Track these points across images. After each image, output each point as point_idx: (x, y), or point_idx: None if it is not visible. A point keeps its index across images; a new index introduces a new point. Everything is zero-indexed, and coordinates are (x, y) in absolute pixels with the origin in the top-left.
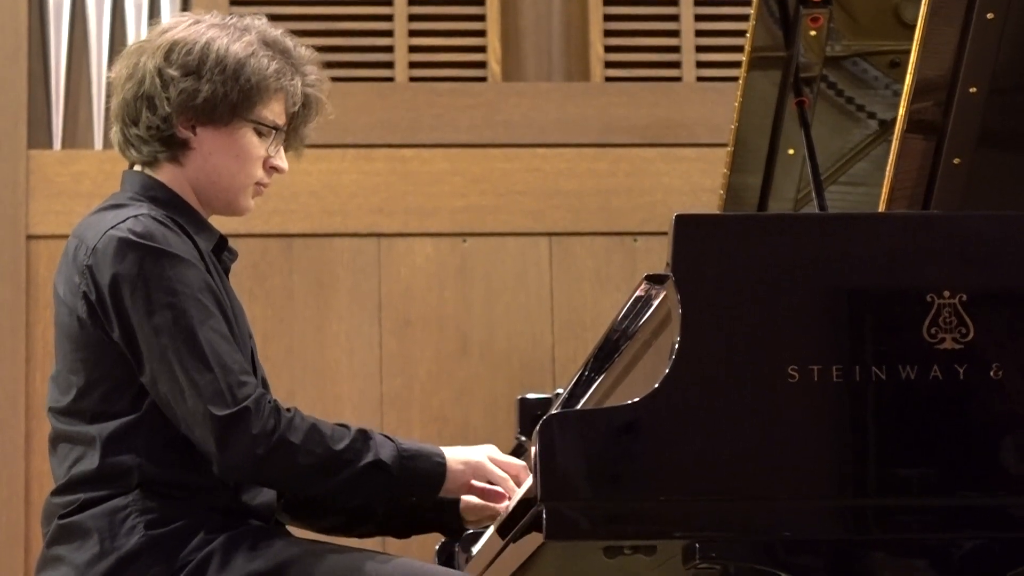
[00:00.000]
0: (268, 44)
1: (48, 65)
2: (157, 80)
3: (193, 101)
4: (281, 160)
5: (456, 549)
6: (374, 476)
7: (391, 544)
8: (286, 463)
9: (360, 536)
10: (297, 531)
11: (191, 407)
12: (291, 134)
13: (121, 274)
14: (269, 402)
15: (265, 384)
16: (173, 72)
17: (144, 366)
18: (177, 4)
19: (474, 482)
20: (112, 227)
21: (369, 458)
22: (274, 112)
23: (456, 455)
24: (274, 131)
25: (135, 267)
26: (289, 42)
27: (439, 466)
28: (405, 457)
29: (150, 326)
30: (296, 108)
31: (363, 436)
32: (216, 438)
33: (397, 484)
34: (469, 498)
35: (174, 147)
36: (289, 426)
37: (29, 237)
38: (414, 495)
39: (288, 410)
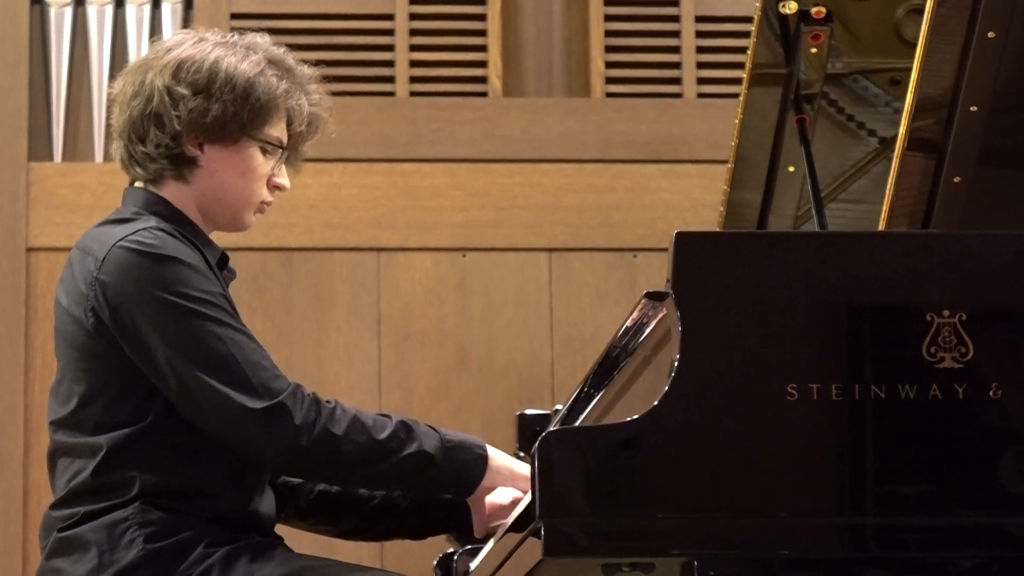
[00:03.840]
0: (274, 63)
1: (49, 77)
2: (167, 98)
3: (203, 120)
4: (283, 178)
5: (454, 564)
6: (418, 465)
7: (388, 557)
8: (329, 453)
9: (376, 539)
10: (308, 540)
11: (225, 407)
12: (291, 152)
13: (135, 286)
14: (307, 394)
15: None
16: (183, 90)
17: (166, 377)
18: (178, 19)
19: (488, 498)
20: (121, 239)
21: (413, 448)
22: (279, 130)
23: (500, 457)
24: (279, 149)
25: (150, 276)
26: (292, 60)
27: (481, 457)
28: (449, 447)
29: (174, 334)
30: (302, 127)
31: (405, 426)
32: (259, 430)
33: (441, 473)
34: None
35: (181, 165)
36: (331, 417)
37: (29, 249)
38: (456, 485)
39: (328, 401)
